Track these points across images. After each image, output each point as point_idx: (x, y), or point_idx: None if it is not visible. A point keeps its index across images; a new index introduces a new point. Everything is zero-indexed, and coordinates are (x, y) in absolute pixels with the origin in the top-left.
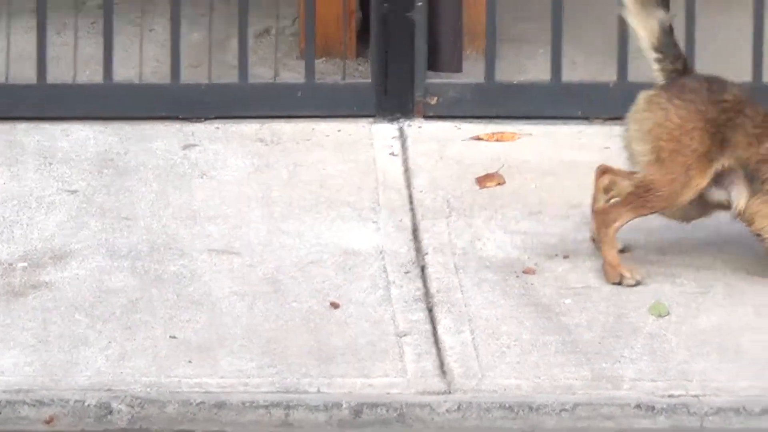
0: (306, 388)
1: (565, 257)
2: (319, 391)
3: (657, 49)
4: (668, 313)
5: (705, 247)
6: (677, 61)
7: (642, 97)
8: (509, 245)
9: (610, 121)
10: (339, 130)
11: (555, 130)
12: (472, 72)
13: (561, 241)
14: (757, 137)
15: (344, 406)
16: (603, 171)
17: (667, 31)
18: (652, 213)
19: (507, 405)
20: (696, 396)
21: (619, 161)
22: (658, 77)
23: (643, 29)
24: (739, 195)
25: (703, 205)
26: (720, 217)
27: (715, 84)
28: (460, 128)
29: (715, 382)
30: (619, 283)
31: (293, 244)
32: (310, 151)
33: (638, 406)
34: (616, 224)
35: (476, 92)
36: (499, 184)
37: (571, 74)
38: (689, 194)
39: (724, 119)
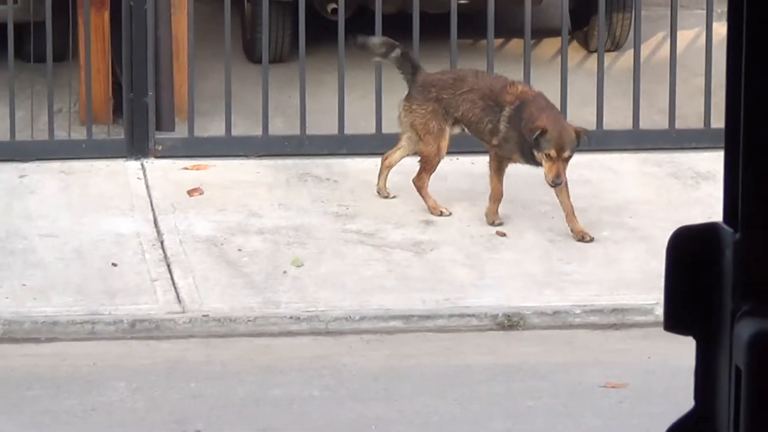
0: (104, 311)
1: (241, 232)
2: (110, 314)
3: None
4: None
5: None
6: None
7: None
8: (209, 228)
9: (261, 157)
10: (107, 165)
11: (228, 163)
12: (181, 130)
13: (237, 225)
14: None
15: (125, 321)
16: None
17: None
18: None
19: (216, 318)
20: None
21: (266, 180)
22: None
23: None
24: None
25: None
26: None
27: None
28: (175, 163)
29: None
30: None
31: (88, 230)
32: (92, 177)
33: None
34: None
35: (183, 142)
36: (200, 194)
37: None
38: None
39: None
